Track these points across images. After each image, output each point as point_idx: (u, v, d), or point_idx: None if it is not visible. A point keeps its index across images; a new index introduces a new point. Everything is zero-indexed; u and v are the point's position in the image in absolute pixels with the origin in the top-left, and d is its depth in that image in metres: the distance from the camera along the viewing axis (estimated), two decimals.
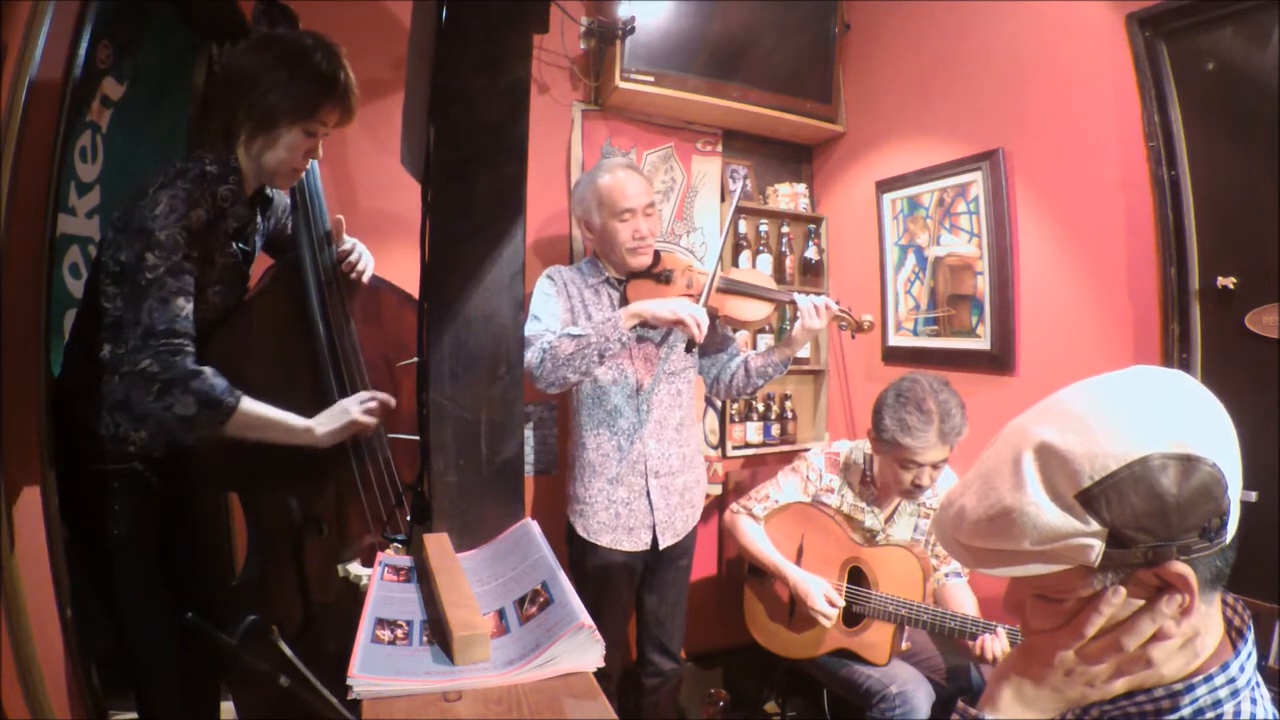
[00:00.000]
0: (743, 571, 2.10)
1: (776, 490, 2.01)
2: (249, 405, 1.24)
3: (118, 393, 1.24)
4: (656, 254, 1.86)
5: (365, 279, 1.50)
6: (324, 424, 1.32)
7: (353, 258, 1.48)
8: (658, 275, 1.83)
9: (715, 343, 1.97)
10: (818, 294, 2.64)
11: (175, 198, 1.19)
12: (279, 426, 1.28)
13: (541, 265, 1.90)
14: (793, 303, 1.80)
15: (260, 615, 1.42)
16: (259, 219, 1.44)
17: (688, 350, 1.72)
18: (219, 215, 1.27)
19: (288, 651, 0.84)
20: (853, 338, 1.85)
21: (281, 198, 1.53)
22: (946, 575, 1.88)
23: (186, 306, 1.20)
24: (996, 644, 1.59)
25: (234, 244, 1.34)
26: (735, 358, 1.98)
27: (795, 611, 1.94)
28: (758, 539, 1.95)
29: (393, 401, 1.39)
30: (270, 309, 1.46)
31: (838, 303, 1.80)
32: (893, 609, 1.75)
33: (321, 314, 1.42)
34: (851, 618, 1.84)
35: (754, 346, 2.52)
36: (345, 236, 1.49)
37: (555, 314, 1.77)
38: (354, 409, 1.34)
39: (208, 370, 1.20)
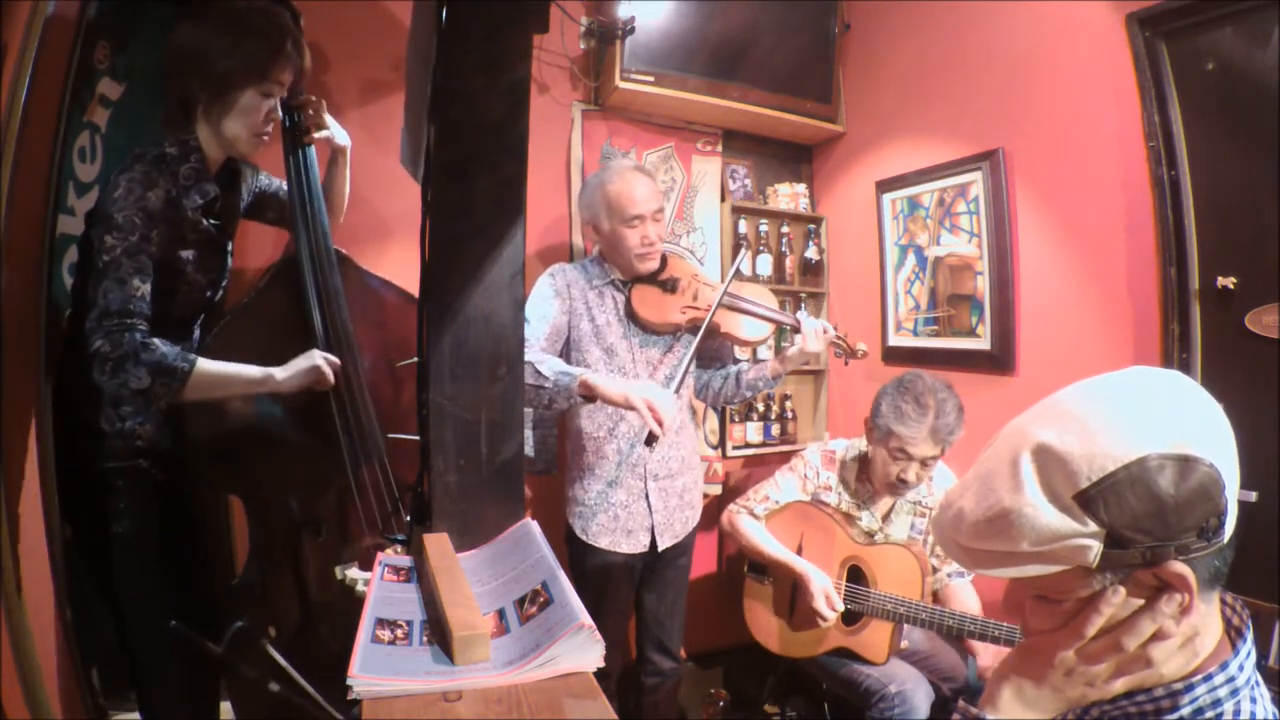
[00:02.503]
0: (742, 570, 2.10)
1: (775, 490, 2.01)
2: (206, 366, 1.26)
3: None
4: (664, 258, 1.85)
5: (317, 137, 1.51)
6: (285, 371, 1.34)
7: (311, 111, 1.49)
8: (663, 283, 1.83)
9: (711, 350, 1.98)
10: (817, 293, 2.68)
11: (133, 180, 1.21)
12: (240, 379, 1.31)
13: (541, 265, 1.90)
14: (796, 325, 1.81)
15: (260, 615, 1.43)
16: (234, 192, 1.45)
17: (647, 444, 1.57)
18: (182, 195, 1.28)
19: (277, 657, 0.84)
20: (846, 364, 1.88)
21: (254, 169, 1.54)
22: (949, 575, 1.89)
23: (142, 287, 1.21)
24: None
25: (205, 220, 1.35)
26: (728, 366, 1.98)
27: (795, 610, 1.94)
28: (759, 535, 1.95)
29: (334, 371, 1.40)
30: (268, 309, 1.46)
31: (835, 328, 1.81)
32: (891, 607, 1.75)
33: (319, 313, 1.43)
34: (850, 616, 1.84)
35: (753, 354, 2.51)
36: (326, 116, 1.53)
37: (547, 318, 1.75)
38: (318, 356, 1.36)
39: (156, 341, 1.21)
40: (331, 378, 1.37)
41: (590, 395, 1.58)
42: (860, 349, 1.81)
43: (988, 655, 1.76)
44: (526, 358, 1.60)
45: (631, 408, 1.54)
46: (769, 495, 2.00)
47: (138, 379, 1.19)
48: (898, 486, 1.82)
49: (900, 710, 1.69)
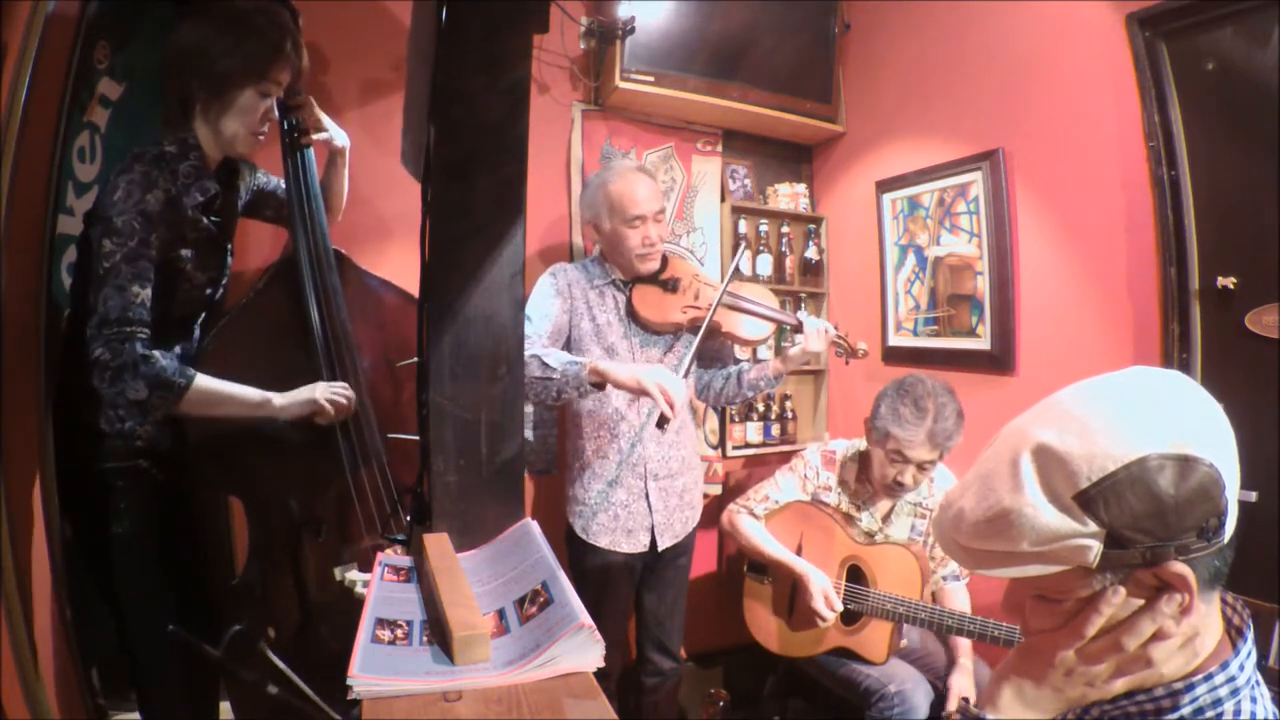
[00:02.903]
0: (742, 570, 2.10)
1: (775, 490, 2.01)
2: (204, 382, 1.25)
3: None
4: (665, 258, 1.85)
5: (316, 138, 1.51)
6: (283, 398, 1.33)
7: (306, 113, 1.48)
8: (665, 283, 1.83)
9: (712, 350, 1.98)
10: (817, 293, 2.68)
11: (132, 182, 1.21)
12: (237, 400, 1.30)
13: (541, 265, 1.90)
14: (797, 324, 1.81)
15: (259, 616, 1.43)
16: (233, 190, 1.45)
17: (659, 427, 1.58)
18: (182, 193, 1.28)
19: (275, 660, 0.84)
20: (846, 363, 1.88)
21: (251, 167, 1.54)
22: (944, 579, 1.89)
23: (142, 294, 1.20)
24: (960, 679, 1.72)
25: (205, 219, 1.34)
26: (729, 366, 1.98)
27: (794, 610, 1.94)
28: (759, 535, 1.95)
29: (349, 402, 1.39)
30: (268, 309, 1.46)
31: (836, 327, 1.82)
32: (891, 607, 1.75)
33: (318, 314, 1.43)
34: (850, 616, 1.84)
35: (754, 354, 2.51)
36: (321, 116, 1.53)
37: (549, 315, 1.75)
38: (319, 390, 1.36)
39: (157, 354, 1.21)
40: (333, 413, 1.36)
41: (600, 382, 1.58)
42: (861, 349, 1.82)
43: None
44: (532, 351, 1.60)
45: (644, 392, 1.55)
46: (769, 495, 2.00)
47: (135, 390, 1.18)
48: (894, 489, 1.82)
49: (900, 710, 1.69)
